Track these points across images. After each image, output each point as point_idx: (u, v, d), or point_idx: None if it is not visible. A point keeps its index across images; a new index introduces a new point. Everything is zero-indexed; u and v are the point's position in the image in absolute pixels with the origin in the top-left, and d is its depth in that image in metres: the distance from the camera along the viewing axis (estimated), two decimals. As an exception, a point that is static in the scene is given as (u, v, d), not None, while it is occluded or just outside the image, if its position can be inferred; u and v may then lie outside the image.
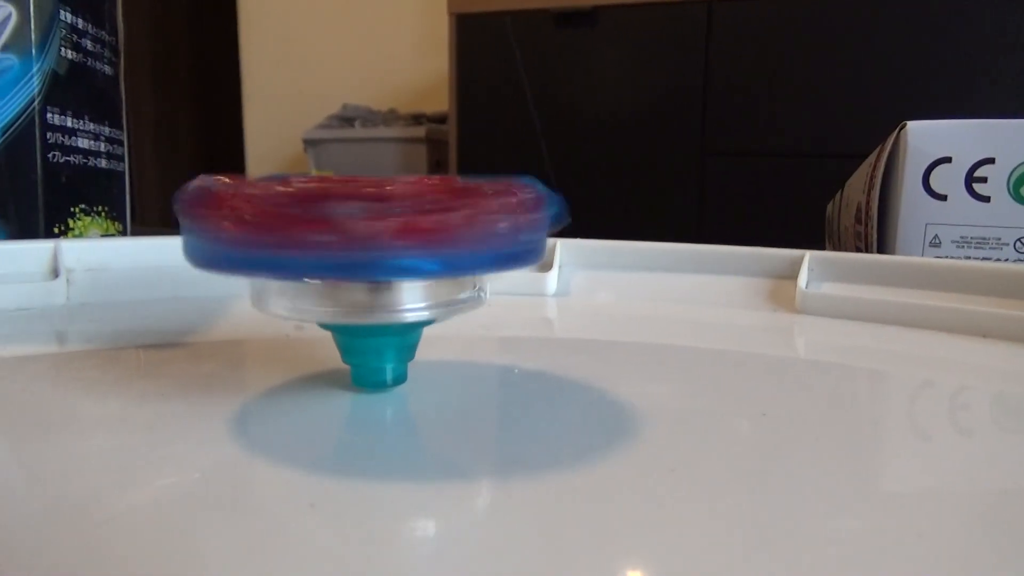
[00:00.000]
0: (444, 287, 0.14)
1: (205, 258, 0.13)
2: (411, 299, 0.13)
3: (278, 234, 0.12)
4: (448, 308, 0.14)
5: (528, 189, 0.13)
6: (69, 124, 0.31)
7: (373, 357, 0.15)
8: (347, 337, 0.15)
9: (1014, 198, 0.29)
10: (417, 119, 1.59)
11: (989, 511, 0.11)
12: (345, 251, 0.12)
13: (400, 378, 0.15)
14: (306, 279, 0.12)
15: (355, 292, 0.13)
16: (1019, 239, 0.29)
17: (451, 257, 0.12)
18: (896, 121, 0.32)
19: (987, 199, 0.29)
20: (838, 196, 0.43)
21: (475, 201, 0.12)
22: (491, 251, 0.13)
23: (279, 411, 0.14)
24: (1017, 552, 0.10)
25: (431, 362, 0.18)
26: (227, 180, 0.13)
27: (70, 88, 0.31)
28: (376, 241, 0.12)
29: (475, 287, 0.14)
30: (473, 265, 0.13)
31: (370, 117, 1.60)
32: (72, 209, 0.31)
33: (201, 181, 0.13)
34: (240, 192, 0.12)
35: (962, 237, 0.30)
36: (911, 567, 0.09)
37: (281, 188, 0.12)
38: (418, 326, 0.15)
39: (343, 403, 0.15)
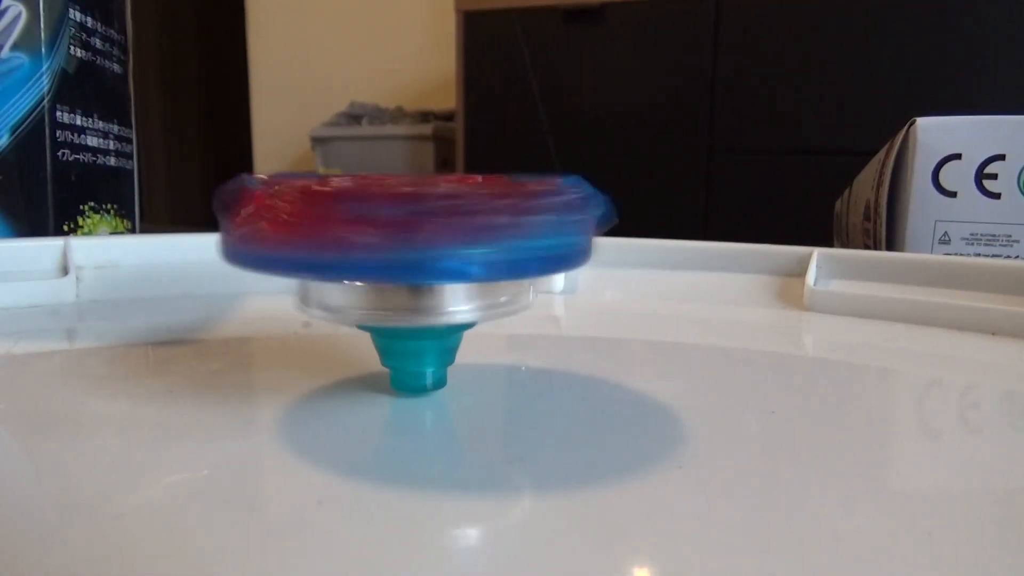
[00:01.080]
0: (489, 289, 0.13)
1: (245, 258, 0.13)
2: (455, 301, 0.13)
3: (320, 234, 0.11)
4: (493, 311, 0.13)
5: (575, 189, 0.13)
6: (78, 122, 0.31)
7: (413, 361, 0.14)
8: (387, 339, 0.14)
9: (1025, 195, 0.29)
10: (424, 117, 1.59)
11: (999, 510, 0.11)
12: (388, 252, 0.11)
13: (440, 382, 0.15)
14: (347, 281, 0.12)
15: (397, 294, 0.13)
16: (1030, 236, 0.29)
17: (497, 260, 0.12)
18: (905, 117, 0.32)
19: (997, 196, 0.29)
20: (846, 193, 0.43)
21: (522, 202, 0.12)
22: (538, 253, 0.12)
23: (293, 407, 0.15)
24: (1027, 551, 0.10)
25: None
26: (267, 179, 0.13)
27: (79, 86, 0.31)
28: (421, 242, 0.11)
29: (518, 289, 0.14)
30: (520, 268, 0.12)
31: (377, 115, 1.60)
32: (81, 207, 0.32)
33: (241, 180, 0.13)
34: (281, 191, 0.12)
35: (972, 234, 0.29)
36: (921, 566, 0.09)
37: (323, 187, 0.12)
38: (459, 329, 0.14)
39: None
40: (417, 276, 0.12)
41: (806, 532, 0.10)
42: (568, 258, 0.13)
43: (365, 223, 0.11)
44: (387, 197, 0.11)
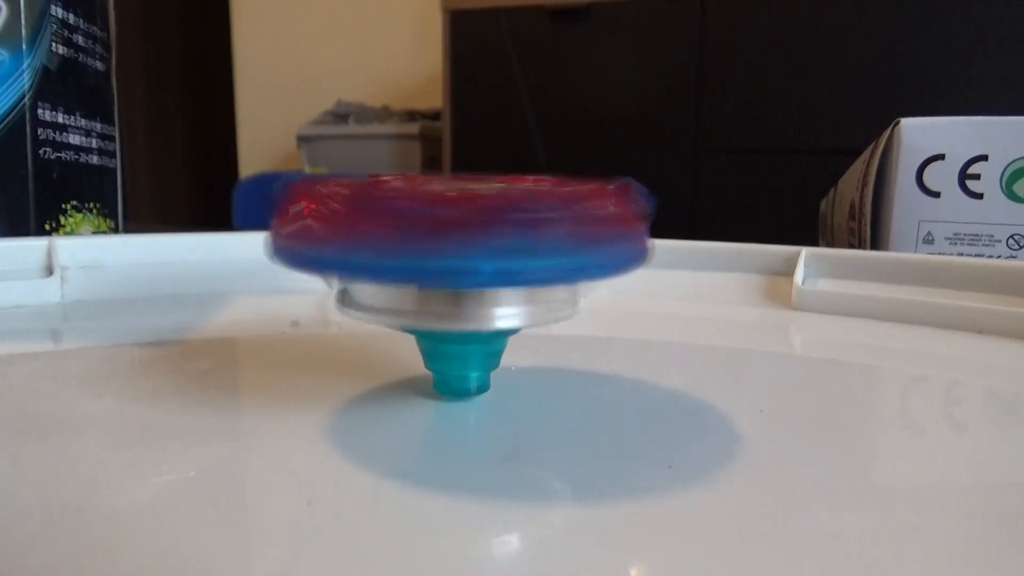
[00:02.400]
0: (537, 294, 0.13)
1: (297, 259, 0.12)
2: (503, 306, 0.13)
3: (368, 236, 0.11)
4: (542, 316, 0.13)
5: (627, 191, 0.12)
6: (60, 120, 0.31)
7: (458, 364, 0.14)
8: (432, 343, 0.14)
9: (1007, 195, 0.29)
10: (411, 116, 1.58)
11: (984, 505, 0.11)
12: (438, 256, 0.11)
13: (484, 387, 0.15)
14: (394, 284, 0.12)
15: (445, 298, 0.12)
16: (1012, 236, 0.29)
17: (550, 265, 0.11)
18: (890, 118, 0.32)
19: (980, 196, 0.29)
20: (832, 193, 0.43)
21: (575, 204, 0.12)
22: (588, 258, 0.12)
23: (281, 407, 0.14)
24: (1013, 545, 0.10)
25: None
26: (320, 179, 0.12)
27: (61, 84, 0.31)
28: (472, 246, 0.11)
29: (568, 294, 0.14)
30: (570, 272, 0.12)
31: (364, 113, 1.60)
32: (63, 206, 0.31)
33: (291, 180, 0.13)
34: (330, 191, 0.12)
35: (955, 234, 0.30)
36: (908, 562, 0.09)
37: (372, 188, 0.12)
38: (505, 334, 0.14)
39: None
40: (467, 281, 0.11)
41: (794, 529, 0.10)
42: (622, 262, 0.12)
43: (415, 225, 0.11)
44: (438, 199, 0.11)
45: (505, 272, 0.11)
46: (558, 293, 0.13)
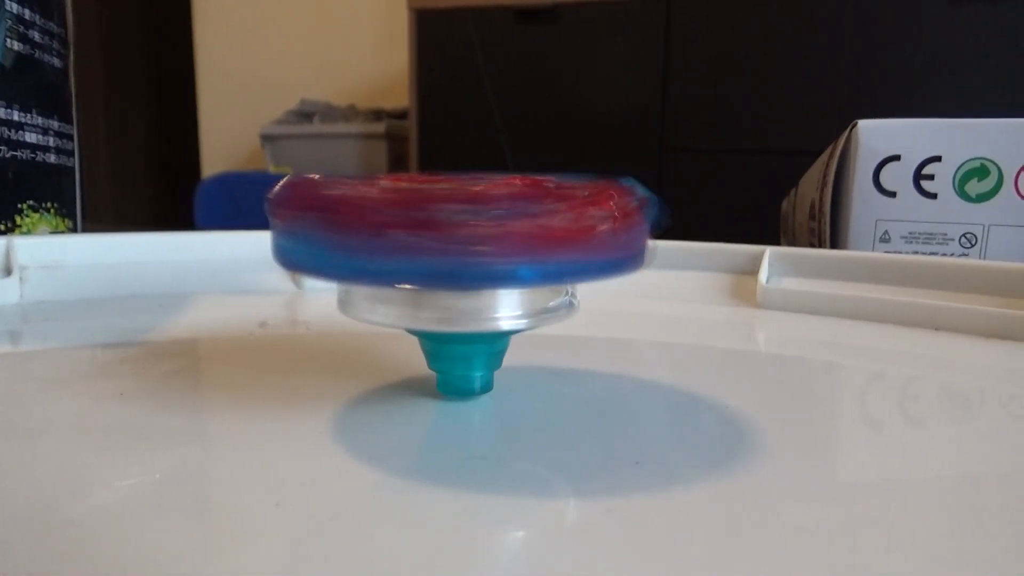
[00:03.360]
0: (538, 295, 0.13)
1: (296, 261, 0.12)
2: (505, 307, 0.13)
3: (371, 238, 0.11)
4: (542, 316, 0.13)
5: (628, 192, 0.12)
6: (16, 118, 0.30)
7: (461, 365, 0.14)
8: (435, 343, 0.14)
9: (959, 195, 0.30)
10: (377, 115, 1.57)
11: (940, 498, 0.11)
12: (442, 257, 0.11)
13: (487, 386, 0.15)
14: (398, 285, 0.12)
15: (447, 299, 0.12)
16: (964, 234, 0.30)
17: (551, 265, 0.11)
18: (848, 120, 0.33)
19: (934, 196, 0.30)
20: (792, 193, 0.44)
21: (575, 206, 0.12)
22: (592, 259, 0.12)
23: (247, 409, 0.14)
24: (968, 536, 0.10)
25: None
26: (319, 180, 0.12)
27: (17, 81, 0.30)
28: (474, 247, 0.11)
29: (568, 294, 0.14)
30: (574, 273, 0.12)
31: (329, 112, 1.58)
32: (19, 205, 0.31)
33: (291, 180, 0.13)
34: (330, 194, 0.12)
35: (910, 232, 0.31)
36: (869, 551, 0.10)
37: (374, 190, 0.11)
38: (508, 334, 0.14)
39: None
40: (470, 281, 0.11)
41: (758, 522, 0.10)
42: (623, 263, 0.13)
43: (418, 226, 0.11)
44: (441, 200, 0.11)
45: (509, 273, 0.11)
46: (559, 293, 0.14)
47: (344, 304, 0.14)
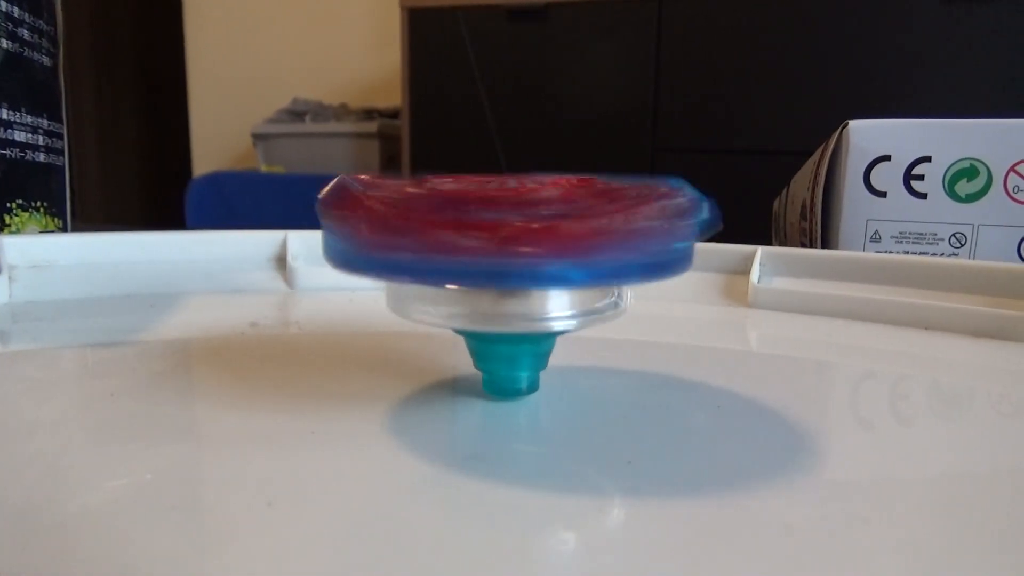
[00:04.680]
0: (586, 296, 0.13)
1: (345, 260, 0.12)
2: (554, 308, 0.13)
3: (421, 238, 0.11)
4: (590, 317, 0.13)
5: (678, 192, 0.12)
6: (4, 116, 0.30)
7: (507, 365, 0.14)
8: (482, 344, 0.14)
9: (949, 195, 0.30)
10: (369, 114, 1.57)
11: (930, 496, 0.11)
12: (491, 258, 0.11)
13: (533, 386, 0.15)
14: (448, 285, 0.12)
15: (497, 299, 0.12)
16: (954, 234, 0.30)
17: (600, 266, 0.11)
18: (839, 120, 0.33)
19: (924, 196, 0.30)
20: (784, 193, 0.44)
21: (625, 206, 0.12)
22: (640, 260, 0.12)
23: (239, 409, 0.14)
24: (958, 535, 0.10)
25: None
26: (368, 180, 0.12)
27: (6, 79, 0.30)
28: (524, 248, 0.11)
29: (615, 295, 0.14)
30: (622, 274, 0.12)
31: (321, 111, 1.58)
32: (8, 204, 0.30)
33: (341, 181, 0.13)
34: (383, 194, 0.12)
35: (900, 232, 0.31)
36: (860, 550, 0.10)
37: (424, 190, 0.12)
38: (555, 334, 0.14)
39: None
40: (519, 282, 0.11)
41: (749, 521, 0.10)
42: (671, 265, 0.12)
43: (467, 227, 0.11)
44: (490, 201, 0.11)
45: (558, 274, 0.11)
46: (607, 294, 0.14)
47: (392, 303, 0.14)
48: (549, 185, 0.11)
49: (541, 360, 0.15)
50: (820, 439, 0.14)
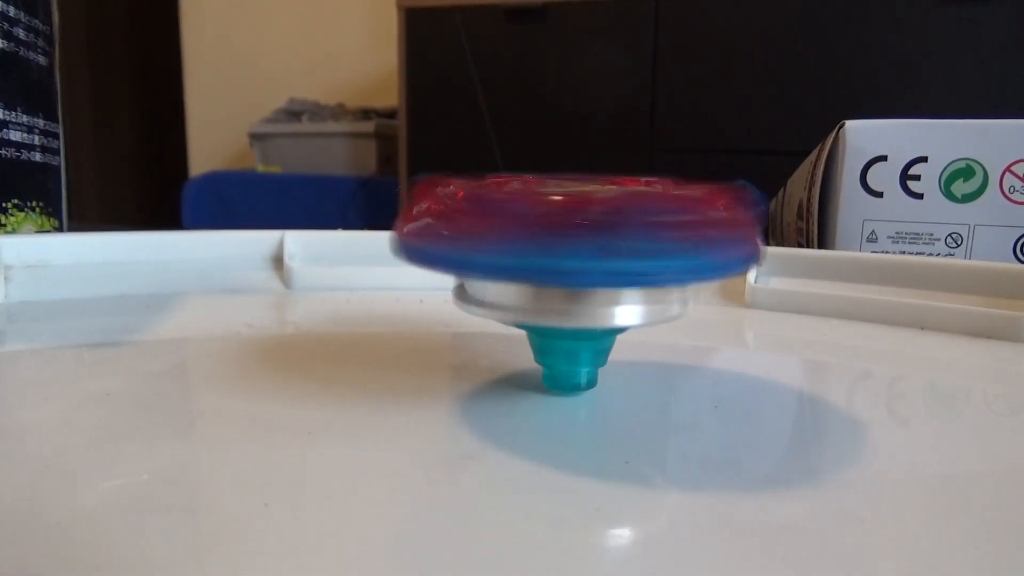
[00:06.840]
0: (652, 294, 0.13)
1: (415, 254, 0.13)
2: (617, 305, 0.13)
3: (491, 235, 0.12)
4: (655, 315, 0.13)
5: (745, 193, 0.13)
6: (0, 116, 0.30)
7: (567, 360, 0.14)
8: (544, 339, 0.14)
9: (945, 195, 0.30)
10: (366, 114, 1.57)
11: (925, 493, 0.11)
12: (560, 255, 0.11)
13: (592, 382, 0.15)
14: (515, 282, 0.12)
15: (560, 295, 0.13)
16: (950, 234, 0.30)
17: (672, 264, 0.12)
18: (836, 120, 0.33)
19: (920, 196, 0.30)
20: (780, 193, 0.44)
21: (690, 207, 0.12)
22: (706, 260, 0.12)
23: (236, 408, 0.14)
24: (952, 533, 0.10)
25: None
26: (440, 178, 0.13)
27: (2, 79, 0.30)
28: (594, 247, 0.11)
29: (682, 295, 0.14)
30: (693, 273, 0.12)
31: (318, 111, 1.57)
32: (4, 204, 0.30)
33: (427, 180, 0.13)
34: (454, 191, 0.12)
35: (897, 232, 0.31)
36: (857, 549, 0.10)
37: (496, 189, 0.12)
38: (616, 331, 0.14)
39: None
40: (585, 280, 0.12)
41: (744, 519, 0.10)
42: (735, 263, 0.13)
43: (537, 227, 0.11)
44: (559, 202, 0.11)
45: (623, 272, 0.12)
46: (671, 293, 0.14)
47: (458, 298, 0.14)
48: (614, 185, 0.12)
49: (602, 356, 0.15)
50: (816, 438, 0.14)
